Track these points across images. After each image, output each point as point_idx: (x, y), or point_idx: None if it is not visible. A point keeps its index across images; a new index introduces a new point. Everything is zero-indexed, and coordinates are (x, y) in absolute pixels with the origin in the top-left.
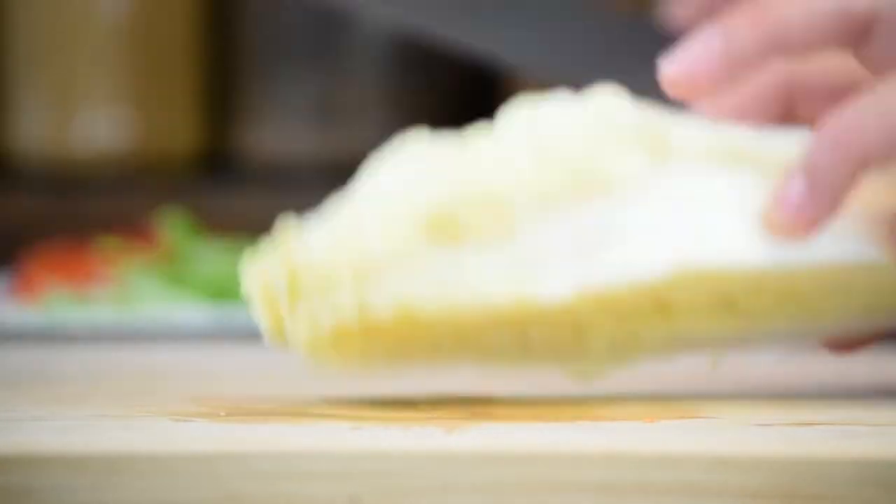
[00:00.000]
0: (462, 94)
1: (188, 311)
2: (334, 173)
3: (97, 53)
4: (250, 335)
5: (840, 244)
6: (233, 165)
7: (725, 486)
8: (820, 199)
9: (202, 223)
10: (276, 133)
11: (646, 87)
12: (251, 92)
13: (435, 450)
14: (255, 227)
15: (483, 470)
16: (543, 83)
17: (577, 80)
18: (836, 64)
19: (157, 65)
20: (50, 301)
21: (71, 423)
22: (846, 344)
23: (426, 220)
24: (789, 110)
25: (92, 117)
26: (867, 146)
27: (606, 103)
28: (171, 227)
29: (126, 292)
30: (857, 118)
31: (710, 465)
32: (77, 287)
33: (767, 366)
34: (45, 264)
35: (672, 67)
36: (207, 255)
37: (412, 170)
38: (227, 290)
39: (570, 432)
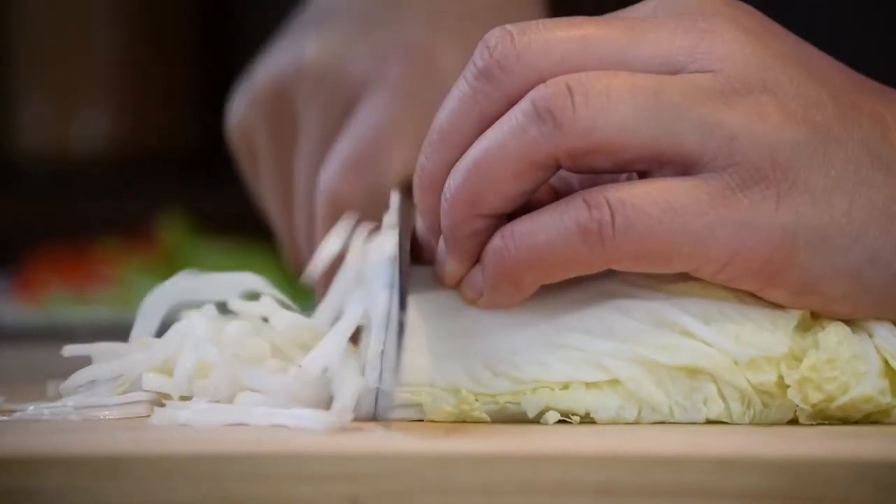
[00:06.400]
0: None
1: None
2: None
3: (96, 55)
4: None
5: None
6: (231, 165)
7: (726, 488)
8: (453, 248)
9: (201, 223)
10: None
11: None
12: None
13: (434, 452)
14: (253, 227)
15: (482, 472)
16: None
17: None
18: None
19: (157, 66)
20: (50, 301)
21: (70, 423)
22: None
23: None
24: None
25: (92, 118)
26: (464, 198)
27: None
28: (171, 227)
29: (126, 293)
30: (455, 184)
31: (711, 466)
32: (77, 287)
33: None
34: (45, 264)
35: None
36: (207, 255)
37: None
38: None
39: (570, 434)
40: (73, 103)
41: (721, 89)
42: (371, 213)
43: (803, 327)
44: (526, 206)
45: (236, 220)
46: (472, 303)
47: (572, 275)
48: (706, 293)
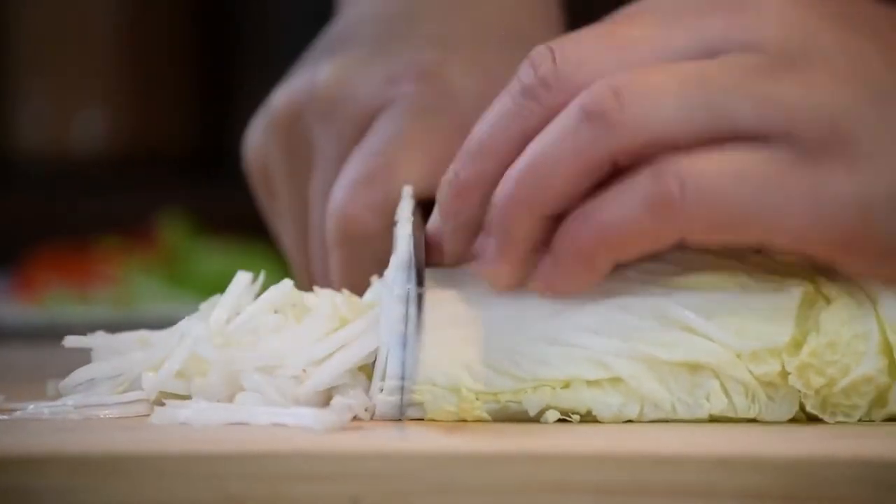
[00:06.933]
0: None
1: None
2: None
3: (96, 55)
4: None
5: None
6: (231, 165)
7: (726, 487)
8: (507, 251)
9: (201, 223)
10: None
11: None
12: (249, 92)
13: (435, 451)
14: (253, 227)
15: (483, 471)
16: None
17: None
18: None
19: (156, 66)
20: (50, 301)
21: (70, 423)
22: None
23: None
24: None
25: (91, 118)
26: (520, 202)
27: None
28: (171, 227)
29: (126, 292)
30: (508, 189)
31: (711, 465)
32: (77, 287)
33: None
34: (45, 264)
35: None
36: (207, 255)
37: None
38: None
39: (570, 434)
40: (73, 103)
41: (766, 65)
42: (382, 230)
43: (808, 302)
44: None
45: (236, 220)
46: (543, 293)
47: (645, 250)
48: (707, 285)
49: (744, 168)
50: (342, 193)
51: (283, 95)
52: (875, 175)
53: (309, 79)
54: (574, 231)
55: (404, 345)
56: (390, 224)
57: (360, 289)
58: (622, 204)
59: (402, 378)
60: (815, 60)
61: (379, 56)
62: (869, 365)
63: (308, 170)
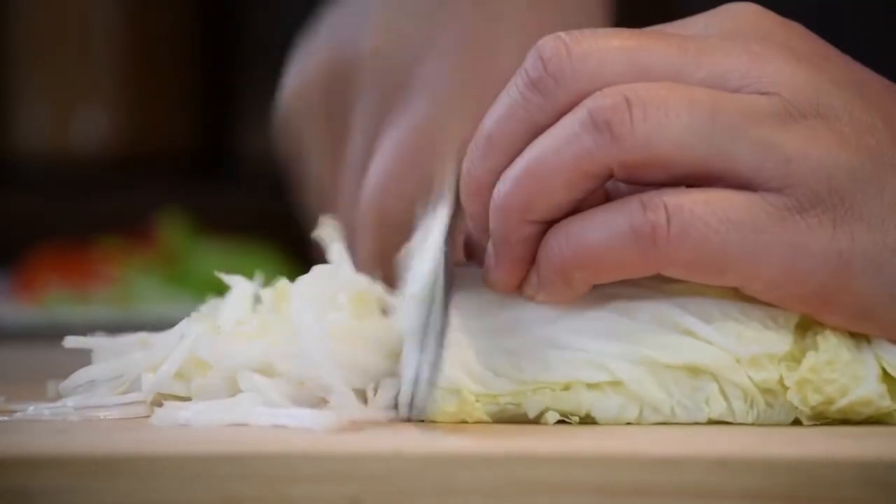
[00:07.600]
0: None
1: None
2: None
3: (96, 54)
4: None
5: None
6: (231, 165)
7: (725, 488)
8: (501, 255)
9: (201, 223)
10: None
11: None
12: (249, 92)
13: (435, 452)
14: (253, 227)
15: (482, 472)
16: None
17: None
18: None
19: (156, 66)
20: (50, 301)
21: (70, 424)
22: None
23: None
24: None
25: (91, 118)
26: (514, 205)
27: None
28: (171, 227)
29: (126, 292)
30: (505, 191)
31: (711, 466)
32: (77, 287)
33: None
34: (45, 264)
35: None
36: (207, 255)
37: None
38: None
39: (570, 434)
40: (73, 103)
41: (776, 112)
42: (414, 221)
43: (803, 326)
44: (577, 206)
45: (236, 220)
46: (531, 299)
47: (623, 276)
48: (708, 292)
49: (733, 210)
50: (377, 181)
51: (324, 52)
52: (861, 236)
53: (352, 39)
54: (555, 246)
55: (422, 349)
56: (423, 212)
57: (386, 271)
58: (606, 229)
59: (416, 381)
60: (823, 120)
61: (425, 21)
62: (869, 388)
63: (344, 131)
